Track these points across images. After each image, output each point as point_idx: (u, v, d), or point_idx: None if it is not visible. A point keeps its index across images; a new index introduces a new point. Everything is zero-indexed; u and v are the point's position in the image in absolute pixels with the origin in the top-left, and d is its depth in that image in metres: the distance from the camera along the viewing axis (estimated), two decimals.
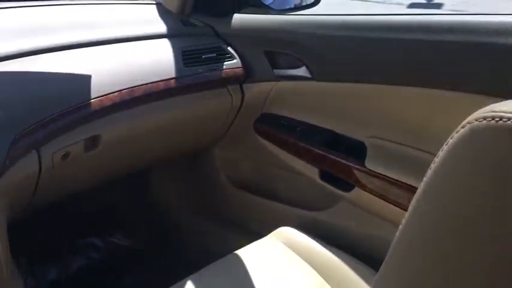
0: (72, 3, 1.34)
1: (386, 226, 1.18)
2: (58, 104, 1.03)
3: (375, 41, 1.13)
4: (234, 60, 1.38)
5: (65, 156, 1.09)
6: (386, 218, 1.19)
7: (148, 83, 1.19)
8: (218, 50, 1.36)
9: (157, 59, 1.26)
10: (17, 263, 1.09)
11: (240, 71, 1.38)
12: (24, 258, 1.55)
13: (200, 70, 1.30)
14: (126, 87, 1.15)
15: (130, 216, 1.88)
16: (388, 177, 1.15)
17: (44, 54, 1.10)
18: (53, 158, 1.06)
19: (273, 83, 1.38)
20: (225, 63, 1.36)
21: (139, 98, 1.18)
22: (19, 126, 0.95)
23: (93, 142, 1.15)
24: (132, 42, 1.26)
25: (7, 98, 0.95)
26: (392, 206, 1.15)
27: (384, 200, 1.17)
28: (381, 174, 1.16)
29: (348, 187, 1.26)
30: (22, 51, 1.07)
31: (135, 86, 1.16)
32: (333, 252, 1.14)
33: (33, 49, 1.09)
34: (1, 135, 0.91)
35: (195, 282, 1.04)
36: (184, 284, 1.04)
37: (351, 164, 1.23)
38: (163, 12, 1.43)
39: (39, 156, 1.02)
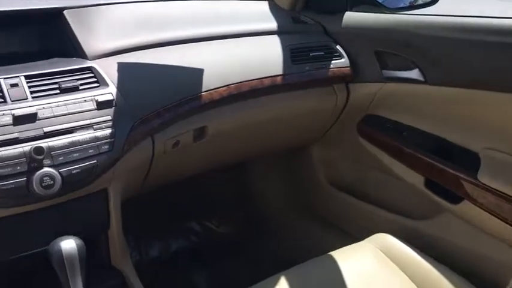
0: None
1: (497, 245, 1.10)
2: (173, 95, 1.09)
3: (497, 46, 1.04)
4: (342, 60, 1.36)
5: (176, 144, 1.15)
6: (497, 237, 1.11)
7: (255, 79, 1.22)
8: (326, 48, 1.35)
9: (266, 55, 1.28)
10: (126, 238, 1.18)
11: (347, 70, 1.36)
12: (132, 235, 1.68)
13: (307, 68, 1.30)
14: (234, 82, 1.19)
15: (229, 205, 1.95)
16: (504, 193, 1.06)
17: (161, 48, 1.18)
18: (165, 145, 1.13)
19: (381, 84, 1.34)
20: (333, 61, 1.34)
21: (246, 93, 1.21)
22: (138, 115, 1.02)
23: (200, 133, 1.20)
24: (242, 38, 1.30)
25: (130, 88, 1.03)
26: (506, 224, 1.07)
27: (496, 217, 1.09)
28: (495, 189, 1.08)
29: (455, 199, 1.19)
30: (143, 43, 1.15)
31: (242, 82, 1.20)
32: (433, 265, 1.09)
33: (153, 42, 1.17)
34: (122, 122, 0.99)
35: (286, 279, 1.05)
36: (276, 279, 1.05)
37: (462, 175, 1.16)
38: (274, 8, 1.45)
39: (153, 143, 1.09)
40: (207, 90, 1.14)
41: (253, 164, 1.85)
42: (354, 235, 1.26)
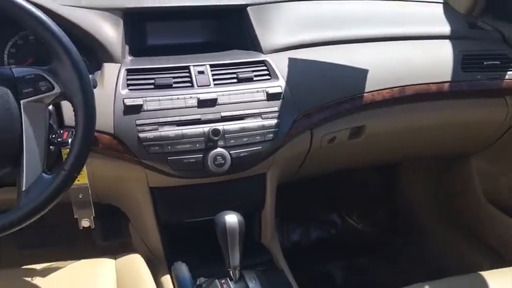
0: None
1: None
2: (336, 93, 1.14)
3: None
4: None
5: (332, 140, 1.20)
6: None
7: (421, 84, 1.20)
8: (503, 58, 1.27)
9: (435, 60, 1.25)
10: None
11: None
12: (278, 217, 1.79)
13: (479, 77, 1.24)
14: (398, 85, 1.19)
15: (372, 203, 1.95)
16: None
17: (332, 46, 1.22)
18: (322, 140, 1.19)
19: None
20: (508, 72, 1.25)
21: (409, 97, 1.20)
22: (302, 109, 1.10)
23: (357, 131, 1.23)
24: (412, 41, 1.28)
25: (298, 83, 1.11)
26: None
27: None
28: None
29: None
30: (315, 41, 1.21)
31: (407, 85, 1.19)
32: None
33: (324, 40, 1.22)
34: (287, 114, 1.07)
35: None
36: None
37: None
38: (449, 12, 1.39)
39: (312, 137, 1.16)
40: (370, 91, 1.16)
41: (404, 166, 1.81)
42: (505, 257, 1.17)
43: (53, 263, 0.99)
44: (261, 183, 1.15)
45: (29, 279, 0.93)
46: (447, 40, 1.29)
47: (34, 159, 0.78)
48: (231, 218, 0.97)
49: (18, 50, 1.06)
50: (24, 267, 0.96)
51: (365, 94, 1.16)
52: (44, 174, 0.78)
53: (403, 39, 1.28)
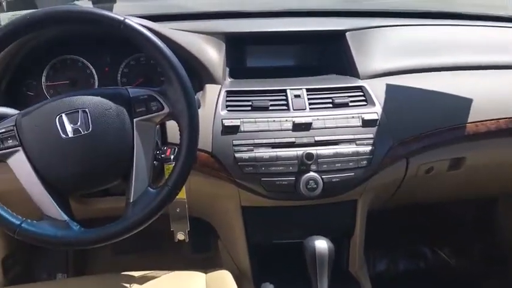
0: (457, 23, 1.36)
1: None
2: (436, 122, 1.10)
3: None
4: None
5: (429, 170, 1.16)
6: None
7: None
8: None
9: None
10: None
11: None
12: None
13: None
14: (505, 116, 1.12)
15: (465, 238, 1.83)
16: None
17: (431, 73, 1.19)
18: (418, 170, 1.14)
19: None
20: None
21: None
22: (398, 136, 1.07)
23: (457, 163, 1.18)
24: None
25: (395, 110, 1.08)
26: None
27: None
28: None
29: None
30: (413, 67, 1.19)
31: None
32: None
33: (424, 66, 1.19)
34: (383, 142, 1.05)
35: None
36: None
37: None
38: None
39: (407, 165, 1.12)
40: (474, 122, 1.10)
41: (504, 198, 1.68)
42: None
43: (147, 271, 1.05)
44: (351, 210, 1.13)
45: (126, 285, 0.99)
46: None
47: (142, 174, 0.83)
48: (321, 244, 0.97)
49: (130, 70, 1.15)
50: (122, 273, 1.02)
51: (468, 124, 1.10)
52: (149, 188, 0.84)
53: (510, 68, 1.21)
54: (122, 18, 0.82)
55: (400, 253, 1.81)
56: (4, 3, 1.22)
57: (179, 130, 0.85)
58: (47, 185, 0.81)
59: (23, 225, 0.79)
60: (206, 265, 1.11)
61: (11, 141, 0.81)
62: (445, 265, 1.81)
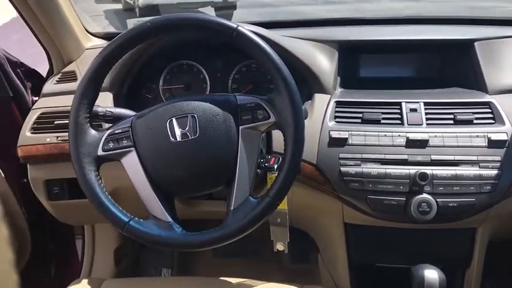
0: None
1: None
2: None
3: None
4: None
5: None
6: None
7: None
8: None
9: None
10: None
11: None
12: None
13: None
14: None
15: None
16: None
17: None
18: None
19: None
20: None
21: None
22: None
23: None
24: None
25: None
26: None
27: None
28: None
29: None
30: None
31: None
32: None
33: None
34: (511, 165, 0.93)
35: None
36: None
37: None
38: None
39: None
40: None
41: None
42: None
43: (245, 279, 1.04)
44: (469, 239, 1.02)
45: None
46: None
47: (244, 182, 0.82)
48: (431, 274, 0.88)
49: (241, 77, 1.16)
50: (221, 278, 1.03)
51: None
52: (250, 197, 0.83)
53: None
54: (235, 26, 0.82)
55: None
56: (137, 10, 1.31)
57: (284, 140, 0.82)
58: (155, 186, 0.83)
59: (131, 222, 0.82)
60: (304, 277, 1.08)
61: (125, 141, 0.85)
62: None
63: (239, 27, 0.81)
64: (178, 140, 0.83)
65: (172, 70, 1.18)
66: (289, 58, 1.06)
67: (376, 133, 0.98)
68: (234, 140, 0.83)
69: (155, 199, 0.83)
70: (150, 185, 0.83)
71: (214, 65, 1.18)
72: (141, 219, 0.83)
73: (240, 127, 0.83)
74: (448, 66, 1.16)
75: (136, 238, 0.82)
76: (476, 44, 1.09)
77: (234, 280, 1.02)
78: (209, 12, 1.23)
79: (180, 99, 0.87)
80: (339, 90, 1.11)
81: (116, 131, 0.85)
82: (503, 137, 0.95)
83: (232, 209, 0.82)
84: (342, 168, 0.97)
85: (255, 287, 1.00)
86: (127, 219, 0.82)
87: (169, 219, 0.82)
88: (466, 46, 1.10)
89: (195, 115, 0.84)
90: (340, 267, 1.09)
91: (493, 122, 0.98)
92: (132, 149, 0.84)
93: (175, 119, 0.84)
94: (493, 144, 0.95)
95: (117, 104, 1.10)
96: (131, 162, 0.84)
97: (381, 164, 0.96)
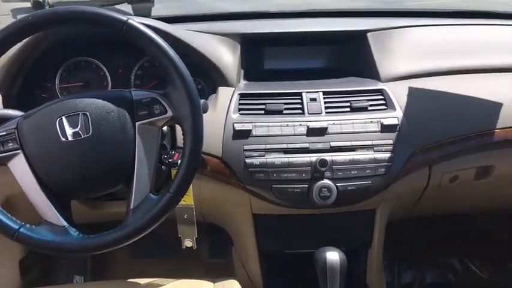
0: (488, 23, 1.27)
1: None
2: (461, 127, 1.03)
3: None
4: None
5: (454, 179, 1.09)
6: None
7: None
8: None
9: None
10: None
11: None
12: (389, 256, 1.67)
13: None
14: None
15: (498, 250, 1.73)
16: None
17: (457, 75, 1.12)
18: (442, 178, 1.08)
19: None
20: None
21: None
22: (419, 143, 1.01)
23: (484, 172, 1.10)
24: None
25: (417, 115, 1.02)
26: None
27: None
28: None
29: None
30: (438, 70, 1.12)
31: None
32: None
33: (448, 69, 1.12)
34: (403, 148, 0.99)
35: None
36: None
37: None
38: None
39: (430, 174, 1.06)
40: (503, 128, 1.03)
41: None
42: None
43: (156, 278, 1.02)
44: (369, 220, 1.08)
45: None
46: None
47: (144, 180, 0.81)
48: (332, 256, 0.92)
49: (144, 72, 1.14)
50: (129, 280, 1.00)
51: (496, 131, 1.03)
52: (151, 194, 0.81)
53: None
54: (125, 19, 0.79)
55: (428, 265, 1.72)
56: (47, 7, 1.20)
57: (183, 134, 0.82)
58: (46, 189, 0.79)
59: (21, 229, 0.77)
60: (221, 272, 1.08)
61: (11, 144, 0.79)
62: (476, 278, 1.72)
63: (129, 20, 0.79)
64: (69, 139, 0.79)
65: (69, 68, 1.12)
66: (191, 52, 1.05)
67: (279, 123, 1.00)
68: (131, 137, 0.81)
69: (47, 203, 0.79)
70: (41, 188, 0.79)
71: (115, 60, 1.13)
72: (34, 226, 0.79)
73: (137, 123, 0.81)
74: (345, 57, 1.21)
75: (28, 246, 0.78)
76: (369, 34, 1.14)
77: (142, 281, 1.00)
78: (124, 8, 1.18)
79: (70, 96, 0.83)
80: (242, 82, 1.12)
81: (0, 134, 0.80)
82: (394, 121, 1.01)
83: (132, 207, 0.80)
84: (247, 160, 0.98)
85: (164, 285, 0.98)
86: (17, 227, 0.77)
87: (64, 223, 0.79)
88: (360, 37, 1.15)
89: (87, 113, 0.80)
90: (251, 257, 1.11)
91: (386, 108, 1.04)
92: (19, 151, 0.79)
93: (65, 117, 0.80)
94: (385, 128, 1.00)
95: (7, 105, 1.02)
96: (19, 166, 0.79)
97: (284, 153, 0.98)
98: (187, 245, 1.00)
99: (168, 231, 1.05)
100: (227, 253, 1.54)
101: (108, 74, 1.13)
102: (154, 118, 0.81)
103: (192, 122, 0.79)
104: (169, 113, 0.81)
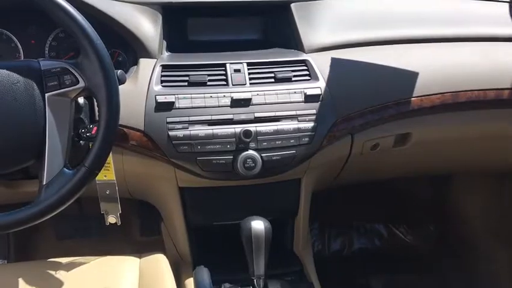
0: None
1: None
2: (380, 96, 1.06)
3: None
4: None
5: (375, 146, 1.13)
6: None
7: (477, 90, 1.10)
8: None
9: (495, 64, 1.14)
10: (312, 226, 1.22)
11: None
12: (319, 224, 1.72)
13: None
14: (450, 90, 1.09)
15: (421, 216, 1.83)
16: None
17: (379, 46, 1.14)
18: (364, 146, 1.11)
19: None
20: None
21: (462, 104, 1.10)
22: (342, 112, 1.03)
23: (403, 139, 1.15)
24: (471, 43, 1.17)
25: (338, 85, 1.04)
26: None
27: None
28: None
29: None
30: (361, 40, 1.14)
31: (460, 91, 1.09)
32: None
33: (371, 40, 1.14)
34: (325, 118, 1.01)
35: None
36: None
37: None
38: None
39: (352, 142, 1.09)
40: (418, 96, 1.07)
41: (458, 177, 1.68)
42: None
43: (80, 257, 0.99)
44: (294, 189, 1.10)
45: (52, 272, 0.93)
46: (510, 43, 1.17)
47: (57, 154, 0.77)
48: (257, 225, 0.93)
49: (59, 43, 1.07)
50: (51, 260, 0.97)
51: (412, 99, 1.07)
52: (65, 169, 0.77)
53: (459, 41, 1.18)
54: None
55: (356, 232, 1.79)
56: None
57: (97, 106, 0.78)
58: None
59: None
60: (153, 249, 1.06)
61: None
62: (400, 243, 1.81)
63: None
64: None
65: None
66: (108, 21, 1.01)
67: (202, 95, 0.99)
68: (40, 109, 0.76)
69: None
70: None
71: (27, 31, 1.06)
72: None
73: (46, 94, 0.77)
74: (270, 28, 1.21)
75: None
76: (292, 5, 1.14)
77: (63, 260, 0.96)
78: None
79: None
80: (165, 54, 1.08)
81: None
82: (317, 91, 1.02)
83: (44, 183, 0.76)
84: (170, 133, 0.96)
85: (87, 264, 0.96)
86: None
87: None
88: (284, 8, 1.15)
89: None
90: (179, 231, 1.10)
91: (309, 78, 1.05)
92: None
93: None
94: (308, 98, 1.01)
95: None
96: None
97: (208, 125, 0.97)
98: (111, 221, 0.98)
99: (97, 209, 1.02)
100: (160, 231, 1.52)
101: (19, 46, 1.05)
102: (65, 89, 0.77)
103: (106, 92, 0.76)
104: (82, 84, 0.77)
